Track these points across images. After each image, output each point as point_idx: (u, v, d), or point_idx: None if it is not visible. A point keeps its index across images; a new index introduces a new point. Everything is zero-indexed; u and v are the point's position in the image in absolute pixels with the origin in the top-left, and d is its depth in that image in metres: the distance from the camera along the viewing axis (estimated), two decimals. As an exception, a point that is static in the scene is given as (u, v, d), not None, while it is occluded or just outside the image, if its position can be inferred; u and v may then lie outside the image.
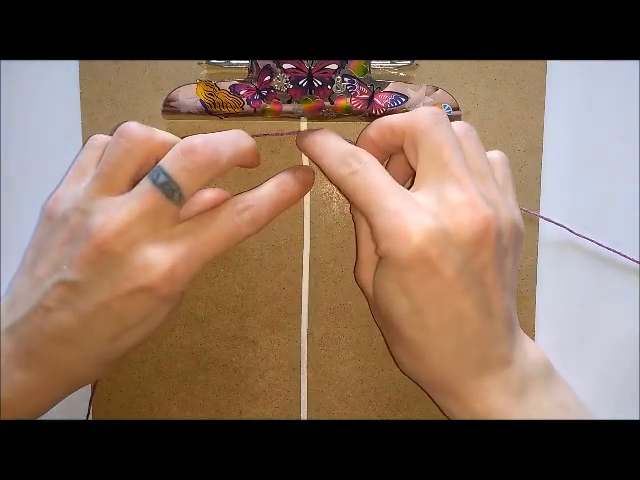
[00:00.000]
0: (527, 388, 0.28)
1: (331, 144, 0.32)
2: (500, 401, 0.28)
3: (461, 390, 0.28)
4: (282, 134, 0.36)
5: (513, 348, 0.29)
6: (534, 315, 0.37)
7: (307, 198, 0.36)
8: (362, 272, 0.32)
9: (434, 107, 0.31)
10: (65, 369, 0.29)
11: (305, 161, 0.36)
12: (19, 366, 0.28)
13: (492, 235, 0.27)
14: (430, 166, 0.29)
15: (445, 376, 0.29)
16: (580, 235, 0.35)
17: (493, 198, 0.29)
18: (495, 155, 0.32)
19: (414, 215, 0.27)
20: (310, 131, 0.33)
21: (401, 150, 0.31)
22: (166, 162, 0.29)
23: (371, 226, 0.28)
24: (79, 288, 0.28)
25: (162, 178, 0.28)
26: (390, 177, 0.29)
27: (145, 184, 0.28)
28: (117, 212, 0.28)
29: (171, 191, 0.28)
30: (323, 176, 0.37)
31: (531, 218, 0.36)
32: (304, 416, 0.35)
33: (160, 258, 0.28)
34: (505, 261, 0.29)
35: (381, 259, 0.29)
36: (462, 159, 0.29)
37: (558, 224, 0.35)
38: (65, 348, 0.28)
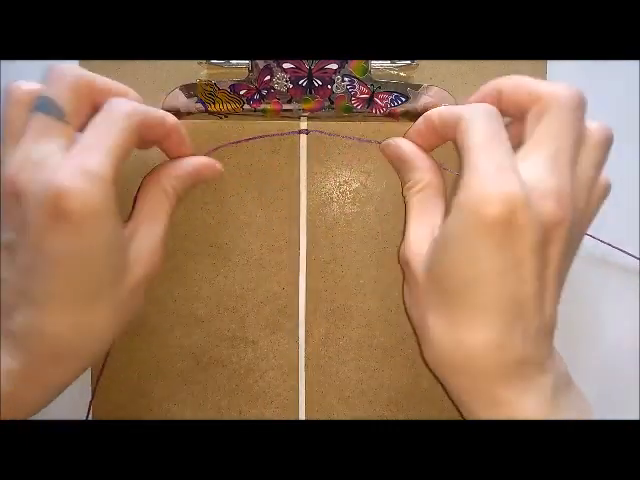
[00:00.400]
0: (557, 399, 0.28)
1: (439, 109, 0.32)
2: (529, 409, 0.27)
3: (492, 389, 0.27)
4: (282, 134, 0.36)
5: (549, 356, 0.28)
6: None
7: (304, 198, 0.36)
8: (413, 249, 0.31)
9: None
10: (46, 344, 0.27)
11: (303, 161, 0.36)
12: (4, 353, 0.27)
13: (563, 231, 0.27)
14: (545, 143, 0.27)
15: (480, 368, 0.27)
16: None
17: (580, 206, 0.28)
18: (606, 179, 0.31)
19: (514, 183, 0.26)
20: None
21: (518, 119, 0.30)
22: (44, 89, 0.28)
23: (469, 169, 0.27)
24: (13, 244, 0.27)
25: (40, 101, 0.28)
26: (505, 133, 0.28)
27: (30, 115, 0.28)
28: (16, 151, 0.27)
29: (48, 108, 0.28)
30: (322, 177, 0.37)
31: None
32: (302, 416, 0.35)
33: (57, 166, 0.26)
34: (565, 263, 0.28)
35: (457, 219, 0.27)
36: (575, 156, 0.28)
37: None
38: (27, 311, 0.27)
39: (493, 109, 0.29)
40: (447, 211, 0.29)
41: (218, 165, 0.34)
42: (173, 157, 0.34)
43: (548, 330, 0.28)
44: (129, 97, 0.31)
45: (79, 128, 0.29)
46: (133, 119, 0.29)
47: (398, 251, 0.33)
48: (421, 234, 0.31)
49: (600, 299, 0.38)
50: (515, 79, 0.30)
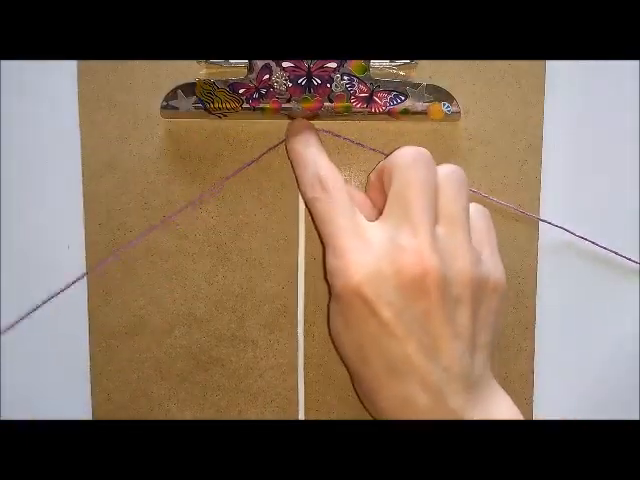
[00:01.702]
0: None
1: (308, 159, 0.32)
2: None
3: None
4: (282, 142, 0.36)
5: (468, 406, 0.28)
6: (534, 315, 0.37)
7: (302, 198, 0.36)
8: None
9: (419, 148, 0.30)
10: None
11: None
12: None
13: (432, 283, 0.27)
14: (394, 205, 0.29)
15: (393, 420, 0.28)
16: (580, 236, 0.35)
17: (453, 248, 0.29)
18: (477, 208, 0.32)
19: (357, 256, 0.28)
20: (296, 133, 0.33)
21: None
22: None
23: (323, 257, 0.29)
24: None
25: None
26: (352, 209, 0.30)
27: None
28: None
29: None
30: (322, 175, 0.37)
31: (531, 218, 0.36)
32: (302, 416, 0.35)
33: None
34: (458, 312, 0.28)
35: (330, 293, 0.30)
36: (427, 203, 0.29)
37: (557, 226, 0.35)
38: None
39: (425, 154, 0.30)
40: None
41: None
42: None
43: (458, 378, 0.28)
44: None
45: None
46: None
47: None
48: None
49: (600, 299, 0.38)
50: (378, 167, 0.32)
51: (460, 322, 0.28)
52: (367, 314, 0.27)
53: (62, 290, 0.33)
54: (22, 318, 0.33)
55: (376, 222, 0.30)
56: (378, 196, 0.32)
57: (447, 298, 0.28)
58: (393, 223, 0.29)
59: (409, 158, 0.29)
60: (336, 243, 0.29)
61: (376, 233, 0.29)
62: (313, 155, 0.32)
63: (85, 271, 0.37)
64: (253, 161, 0.35)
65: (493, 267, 0.30)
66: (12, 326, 0.32)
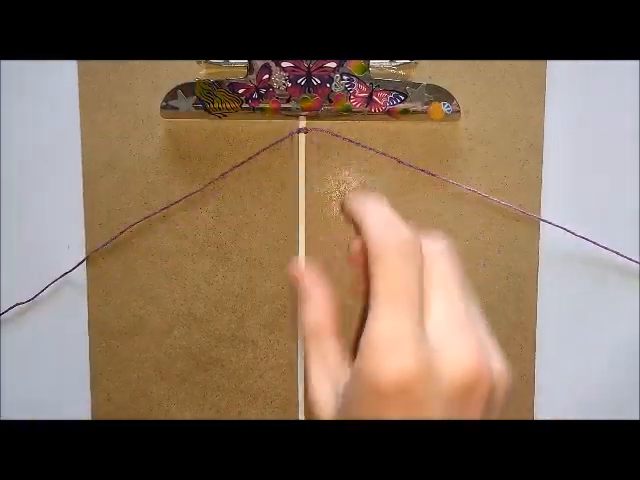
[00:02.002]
0: None
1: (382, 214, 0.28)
2: None
3: None
4: (279, 140, 0.36)
5: None
6: (535, 315, 0.37)
7: (303, 198, 0.36)
8: (316, 396, 0.28)
9: (405, 233, 0.26)
10: None
11: (302, 160, 0.36)
12: None
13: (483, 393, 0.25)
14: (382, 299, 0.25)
15: None
16: (580, 236, 0.35)
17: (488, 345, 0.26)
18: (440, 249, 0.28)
19: (412, 352, 0.24)
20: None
21: None
22: None
23: (366, 333, 0.25)
24: None
25: None
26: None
27: None
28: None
29: None
30: (322, 176, 0.37)
31: (532, 218, 0.36)
32: (302, 416, 0.35)
33: None
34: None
35: (356, 388, 0.26)
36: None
37: (557, 226, 0.35)
38: None
39: (405, 248, 0.25)
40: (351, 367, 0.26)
41: None
42: None
43: None
44: None
45: None
46: None
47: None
48: (323, 381, 0.28)
49: (600, 299, 0.38)
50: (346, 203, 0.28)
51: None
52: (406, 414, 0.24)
53: (64, 274, 0.33)
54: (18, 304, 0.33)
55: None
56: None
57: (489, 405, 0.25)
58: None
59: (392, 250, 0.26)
60: (385, 337, 0.24)
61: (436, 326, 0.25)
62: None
63: (85, 270, 0.37)
64: (250, 158, 0.35)
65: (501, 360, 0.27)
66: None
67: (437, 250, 0.27)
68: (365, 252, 0.29)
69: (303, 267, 0.31)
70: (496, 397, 0.26)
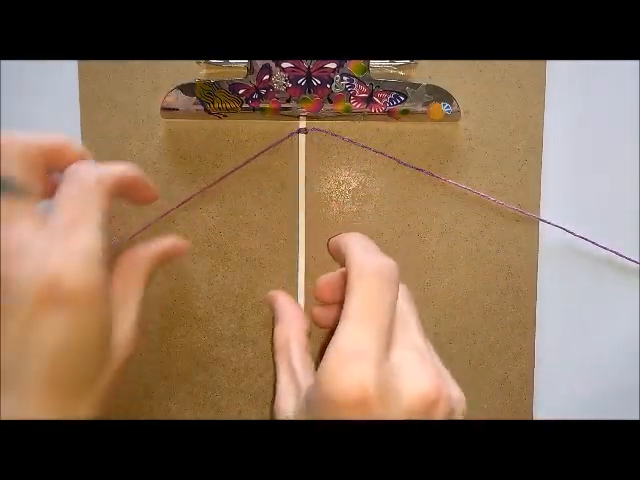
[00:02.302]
0: None
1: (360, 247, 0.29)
2: None
3: None
4: (280, 141, 0.36)
5: None
6: (534, 315, 0.37)
7: (303, 198, 0.36)
8: (281, 404, 0.30)
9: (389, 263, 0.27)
10: None
11: (302, 160, 0.36)
12: None
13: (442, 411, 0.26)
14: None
15: None
16: (580, 237, 0.35)
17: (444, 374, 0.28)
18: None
19: (370, 368, 0.25)
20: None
21: None
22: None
23: (331, 346, 0.25)
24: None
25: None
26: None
27: None
28: None
29: (8, 188, 0.26)
30: (322, 176, 0.37)
31: (531, 219, 0.36)
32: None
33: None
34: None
35: (314, 395, 0.27)
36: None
37: (557, 226, 0.35)
38: None
39: (385, 272, 0.26)
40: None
41: (183, 244, 0.32)
42: (139, 203, 0.32)
43: None
44: (82, 155, 0.29)
45: (40, 197, 0.27)
46: (105, 185, 0.27)
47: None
48: (289, 392, 0.29)
49: (600, 299, 0.38)
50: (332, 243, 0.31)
51: None
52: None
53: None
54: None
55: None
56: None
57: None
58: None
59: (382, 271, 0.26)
60: (346, 351, 0.25)
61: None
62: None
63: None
64: (250, 160, 0.35)
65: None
66: None
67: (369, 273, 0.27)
68: (331, 286, 0.32)
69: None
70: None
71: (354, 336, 0.25)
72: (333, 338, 0.25)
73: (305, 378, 0.29)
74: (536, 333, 0.37)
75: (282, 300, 0.34)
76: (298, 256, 0.36)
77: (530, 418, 0.37)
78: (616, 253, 0.35)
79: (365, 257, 0.27)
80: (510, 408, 0.38)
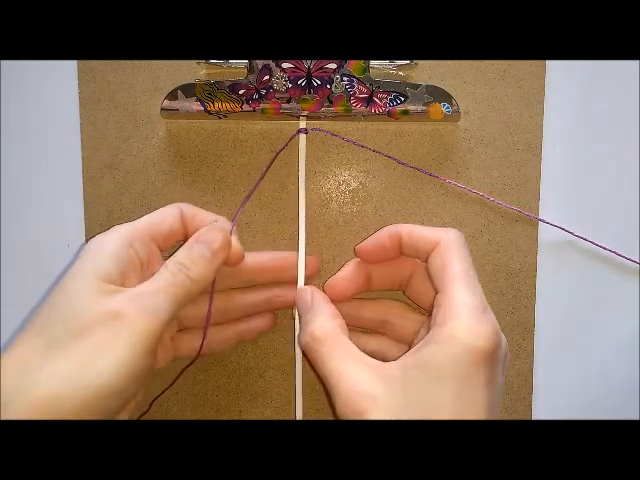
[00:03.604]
0: None
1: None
2: None
3: None
4: (282, 149, 0.36)
5: None
6: (534, 315, 0.37)
7: (303, 198, 0.36)
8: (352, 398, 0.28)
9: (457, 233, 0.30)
10: None
11: (302, 161, 0.36)
12: None
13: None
14: (467, 278, 0.29)
15: None
16: (579, 237, 0.35)
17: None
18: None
19: (494, 316, 0.28)
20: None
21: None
22: None
23: (455, 302, 0.28)
24: None
25: None
26: None
27: None
28: None
29: None
30: (322, 176, 0.37)
31: (531, 219, 0.36)
32: (299, 416, 0.34)
33: None
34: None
35: (446, 351, 0.27)
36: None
37: (556, 226, 0.35)
38: None
39: (463, 238, 0.30)
40: (424, 341, 0.28)
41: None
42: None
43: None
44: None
45: None
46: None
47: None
48: (364, 376, 0.28)
49: (600, 299, 0.38)
50: (409, 228, 0.32)
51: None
52: (494, 373, 0.27)
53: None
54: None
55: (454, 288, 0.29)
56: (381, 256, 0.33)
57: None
58: (477, 296, 0.28)
59: (460, 239, 0.30)
60: (476, 305, 0.28)
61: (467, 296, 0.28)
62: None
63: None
64: (267, 167, 0.35)
65: None
66: None
67: (457, 240, 0.30)
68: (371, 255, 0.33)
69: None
70: (505, 359, 0.29)
71: (474, 292, 0.28)
72: (446, 299, 0.28)
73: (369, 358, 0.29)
74: (535, 333, 0.37)
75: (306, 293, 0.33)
76: (298, 256, 0.36)
77: (529, 418, 0.37)
78: (616, 253, 0.35)
79: (445, 231, 0.30)
80: (509, 408, 0.38)
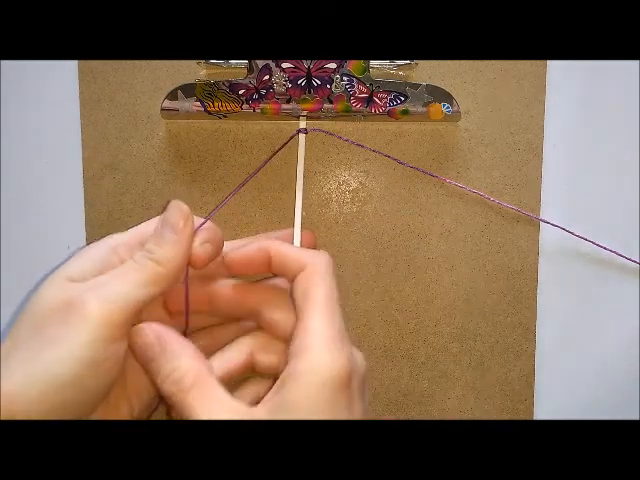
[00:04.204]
0: None
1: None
2: None
3: None
4: (280, 148, 0.35)
5: None
6: (535, 315, 0.37)
7: (299, 198, 0.35)
8: None
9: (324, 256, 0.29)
10: None
11: (302, 161, 0.36)
12: None
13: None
14: (330, 305, 0.28)
15: None
16: (580, 237, 0.35)
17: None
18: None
19: (349, 347, 0.28)
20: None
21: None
22: None
23: (313, 334, 0.27)
24: None
25: None
26: None
27: None
28: None
29: None
30: (322, 176, 0.37)
31: (531, 219, 0.36)
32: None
33: None
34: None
35: (303, 385, 0.27)
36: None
37: (557, 226, 0.35)
38: None
39: (332, 263, 0.29)
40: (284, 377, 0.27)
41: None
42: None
43: None
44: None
45: None
46: None
47: None
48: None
49: (600, 299, 0.38)
50: (278, 246, 0.30)
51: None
52: (348, 403, 0.27)
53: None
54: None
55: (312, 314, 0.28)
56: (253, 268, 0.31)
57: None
58: (334, 323, 0.28)
59: (328, 266, 0.29)
60: (333, 336, 0.27)
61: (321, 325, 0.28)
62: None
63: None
64: (262, 165, 0.35)
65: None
66: None
67: (325, 265, 0.29)
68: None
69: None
70: (364, 381, 0.29)
71: (333, 321, 0.27)
72: (303, 330, 0.27)
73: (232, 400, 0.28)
74: (536, 333, 0.37)
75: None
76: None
77: (531, 418, 0.37)
78: (616, 253, 0.35)
79: (314, 254, 0.29)
80: (511, 408, 0.37)
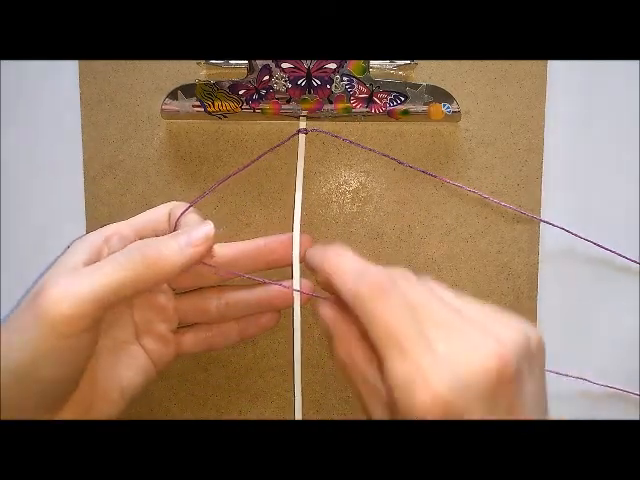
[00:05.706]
0: None
1: (347, 262, 0.27)
2: None
3: None
4: (279, 145, 0.35)
5: None
6: (535, 315, 0.37)
7: (299, 199, 0.35)
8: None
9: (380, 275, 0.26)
10: None
11: (302, 161, 0.36)
12: None
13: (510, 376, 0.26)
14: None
15: None
16: (580, 237, 0.35)
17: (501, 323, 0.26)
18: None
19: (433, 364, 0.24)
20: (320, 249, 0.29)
21: None
22: None
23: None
24: None
25: None
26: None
27: None
28: None
29: None
30: (322, 176, 0.37)
31: (532, 219, 0.36)
32: (299, 416, 0.34)
33: None
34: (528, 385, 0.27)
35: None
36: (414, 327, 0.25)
37: (558, 227, 0.35)
38: None
39: (384, 281, 0.25)
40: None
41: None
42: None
43: None
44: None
45: None
46: None
47: None
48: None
49: (601, 300, 0.38)
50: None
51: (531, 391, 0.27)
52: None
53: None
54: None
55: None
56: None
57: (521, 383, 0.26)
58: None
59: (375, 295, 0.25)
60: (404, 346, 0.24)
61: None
62: (350, 257, 0.28)
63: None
64: (253, 162, 0.35)
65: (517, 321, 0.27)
66: None
67: (409, 278, 0.27)
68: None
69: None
70: (535, 361, 0.27)
71: (398, 363, 0.24)
72: (384, 369, 0.25)
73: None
74: (537, 334, 0.37)
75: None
76: (298, 257, 0.36)
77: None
78: (616, 253, 0.35)
79: (357, 284, 0.26)
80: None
